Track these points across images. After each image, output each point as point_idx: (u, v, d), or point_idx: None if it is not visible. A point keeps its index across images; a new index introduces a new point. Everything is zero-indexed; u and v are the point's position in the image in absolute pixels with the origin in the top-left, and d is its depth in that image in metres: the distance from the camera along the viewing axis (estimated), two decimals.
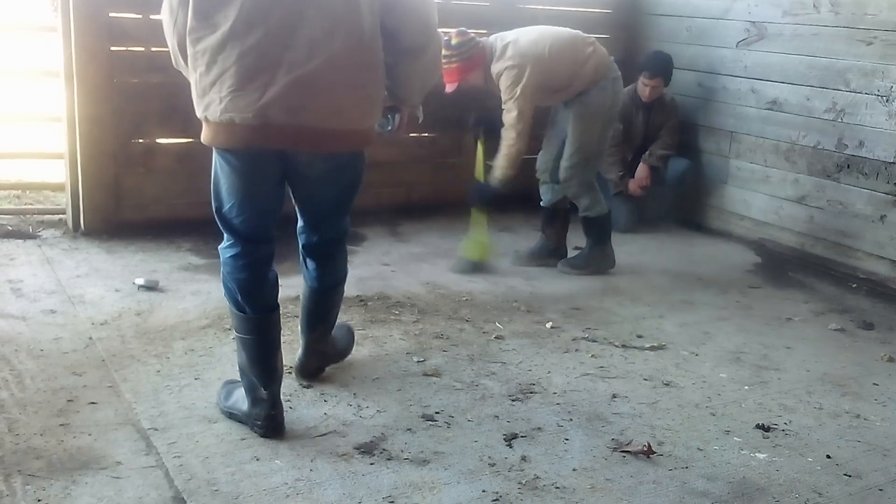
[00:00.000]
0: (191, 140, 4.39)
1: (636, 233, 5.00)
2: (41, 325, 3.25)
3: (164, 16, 2.40)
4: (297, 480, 2.36)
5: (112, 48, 4.19)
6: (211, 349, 3.14)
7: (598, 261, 4.27)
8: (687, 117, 5.21)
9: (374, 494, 2.32)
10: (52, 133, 4.71)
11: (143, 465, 2.38)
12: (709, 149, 5.19)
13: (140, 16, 4.22)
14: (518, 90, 3.90)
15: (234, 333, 2.65)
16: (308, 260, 2.77)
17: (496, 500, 2.33)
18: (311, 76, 2.32)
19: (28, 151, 5.19)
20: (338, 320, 2.98)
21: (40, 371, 2.89)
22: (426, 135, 5.06)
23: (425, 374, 3.06)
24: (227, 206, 2.49)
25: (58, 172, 4.62)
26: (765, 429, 2.80)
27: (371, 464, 2.47)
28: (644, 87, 5.00)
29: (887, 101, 4.21)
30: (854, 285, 4.30)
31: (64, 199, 4.45)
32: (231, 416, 2.65)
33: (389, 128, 2.75)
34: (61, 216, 4.50)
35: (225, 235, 2.56)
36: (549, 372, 3.14)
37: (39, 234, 4.32)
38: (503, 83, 3.94)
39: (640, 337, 3.52)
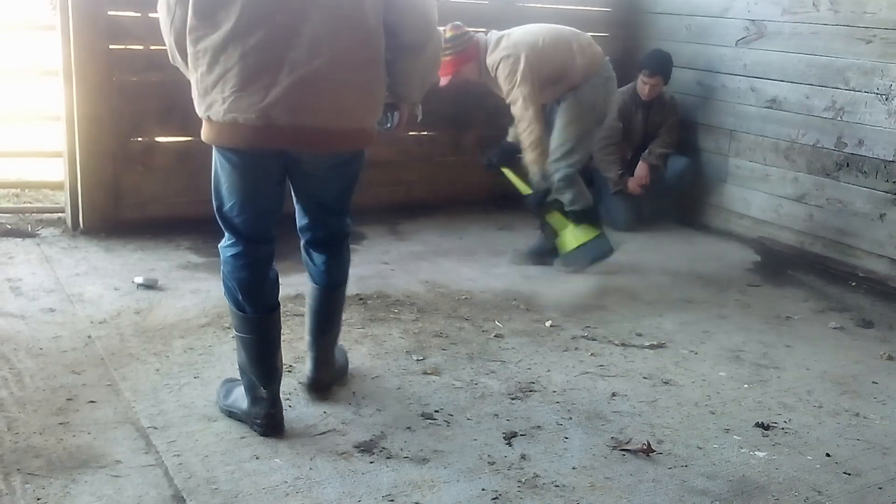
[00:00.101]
0: (190, 138, 4.39)
1: (635, 231, 4.99)
2: (40, 324, 3.25)
3: (161, 12, 2.39)
4: (296, 479, 2.36)
5: (111, 46, 4.18)
6: (210, 348, 3.14)
7: (595, 251, 4.21)
8: (686, 116, 5.21)
9: (374, 493, 2.31)
10: (51, 132, 4.71)
11: (143, 464, 2.38)
12: (708, 147, 5.19)
13: (139, 14, 4.21)
14: (518, 76, 3.89)
15: (233, 332, 2.65)
16: (315, 255, 2.72)
17: (496, 498, 2.33)
18: (315, 76, 2.32)
19: (27, 150, 5.19)
20: None
21: (39, 370, 2.88)
22: (425, 133, 5.06)
23: (425, 373, 3.06)
24: (227, 205, 2.48)
25: (57, 171, 4.62)
26: (764, 427, 2.80)
27: (371, 462, 2.47)
28: (643, 85, 4.99)
29: (887, 99, 4.21)
30: (853, 284, 4.30)
31: (63, 198, 4.45)
32: (230, 414, 2.65)
33: (388, 125, 2.75)
34: (60, 215, 4.49)
35: (225, 234, 2.55)
36: (548, 370, 3.14)
37: (38, 232, 4.32)
38: (501, 74, 3.93)
39: (639, 335, 3.52)
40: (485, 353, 3.26)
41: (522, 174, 4.18)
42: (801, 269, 4.51)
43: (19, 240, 4.19)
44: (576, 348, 3.36)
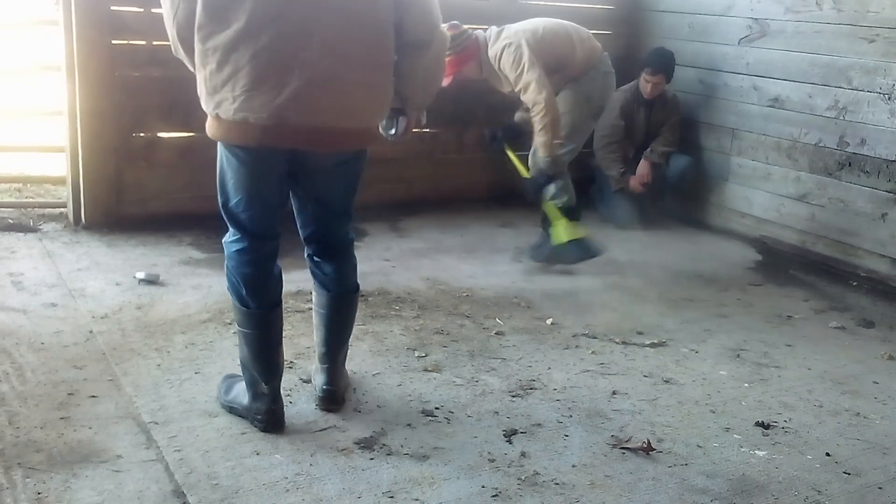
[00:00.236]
0: (192, 134, 4.39)
1: (637, 230, 4.99)
2: (42, 319, 3.25)
3: (165, 5, 2.38)
4: (297, 475, 2.36)
5: (113, 41, 4.18)
6: (211, 343, 3.14)
7: (584, 251, 4.20)
8: (688, 114, 5.21)
9: (374, 489, 2.32)
10: (54, 127, 4.71)
11: (144, 459, 2.39)
12: (710, 146, 5.19)
13: (141, 9, 4.21)
14: (525, 61, 3.88)
15: (235, 328, 2.65)
16: (324, 264, 2.69)
17: (495, 495, 2.34)
18: (326, 76, 2.32)
19: (29, 145, 5.19)
20: None
21: (41, 364, 2.89)
22: (427, 130, 5.06)
23: (425, 370, 3.06)
24: (233, 201, 2.48)
25: (59, 166, 4.62)
26: (764, 426, 2.80)
27: (371, 459, 2.47)
28: (646, 83, 4.99)
29: (889, 98, 4.20)
30: (855, 283, 4.30)
31: (65, 193, 4.45)
32: (231, 410, 2.65)
33: (393, 132, 2.74)
34: (62, 210, 4.49)
35: (231, 230, 2.55)
36: (549, 368, 3.14)
37: (40, 227, 4.32)
38: (506, 63, 3.92)
39: (640, 334, 3.52)
40: (485, 350, 3.26)
41: (524, 157, 4.14)
42: (803, 268, 4.51)
43: (21, 234, 4.19)
44: (576, 346, 3.36)
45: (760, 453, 2.65)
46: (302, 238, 2.69)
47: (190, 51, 2.38)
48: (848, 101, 4.39)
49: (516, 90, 3.96)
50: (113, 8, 4.15)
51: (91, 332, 3.17)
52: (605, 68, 4.11)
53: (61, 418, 2.56)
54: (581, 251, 4.15)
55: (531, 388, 2.97)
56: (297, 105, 2.30)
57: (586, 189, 5.16)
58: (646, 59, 5.01)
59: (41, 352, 2.98)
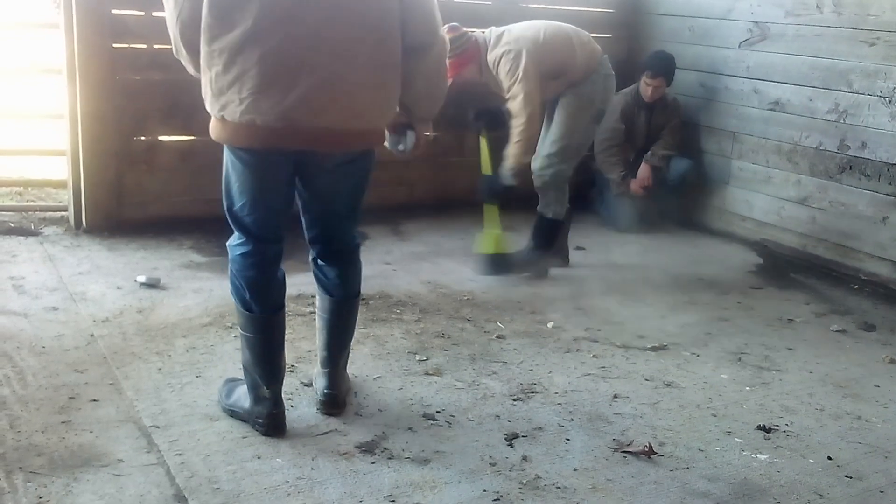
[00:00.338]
0: (193, 137, 4.39)
1: (638, 233, 4.99)
2: (43, 322, 3.25)
3: (168, 4, 2.38)
4: (298, 479, 2.36)
5: (114, 45, 4.18)
6: (212, 347, 3.13)
7: (534, 265, 4.17)
8: (689, 117, 5.21)
9: (375, 493, 2.31)
10: (55, 130, 4.71)
11: (145, 463, 2.38)
12: (711, 149, 5.19)
13: (142, 13, 4.21)
14: (520, 72, 3.85)
15: (238, 331, 2.64)
16: (328, 269, 2.69)
17: (497, 499, 2.33)
18: (335, 78, 2.32)
19: (30, 148, 5.19)
20: None
21: (42, 368, 2.89)
22: (428, 134, 5.05)
23: (426, 374, 3.06)
24: (238, 205, 2.48)
25: (60, 169, 4.62)
26: (766, 430, 2.80)
27: (372, 462, 2.47)
28: (646, 86, 4.99)
29: (890, 102, 4.20)
30: (856, 287, 4.30)
31: (66, 196, 4.45)
32: (232, 414, 2.65)
33: (401, 147, 2.73)
34: (63, 213, 4.49)
35: (235, 233, 2.55)
36: (550, 372, 3.14)
37: (41, 231, 4.32)
38: (502, 69, 3.90)
39: (641, 337, 3.51)
40: (487, 354, 3.26)
41: (495, 152, 4.09)
42: (804, 271, 4.51)
43: (22, 238, 4.19)
44: (577, 350, 3.36)
45: (762, 457, 2.64)
46: (307, 240, 2.69)
47: (192, 52, 2.38)
48: (848, 105, 4.39)
49: (506, 96, 3.94)
50: (114, 11, 4.16)
51: (92, 335, 3.17)
52: (605, 71, 4.10)
53: (62, 422, 2.55)
54: (493, 267, 4.12)
55: (532, 392, 2.97)
56: (305, 106, 2.30)
57: (587, 193, 5.17)
58: (646, 62, 5.02)
59: (42, 355, 2.98)
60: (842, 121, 4.43)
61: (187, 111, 4.12)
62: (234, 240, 2.55)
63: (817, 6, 4.49)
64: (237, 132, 2.35)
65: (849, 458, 2.67)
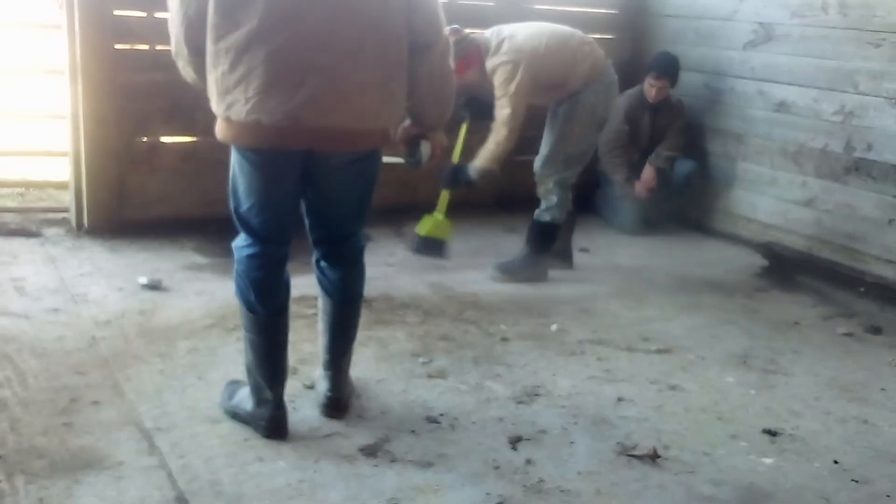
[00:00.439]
0: (195, 139, 4.38)
1: (642, 235, 4.97)
2: (44, 324, 3.24)
3: (173, 2, 2.37)
4: (300, 482, 2.34)
5: (117, 46, 4.18)
6: (214, 349, 3.12)
7: (529, 270, 4.14)
8: (694, 119, 5.19)
9: (378, 496, 2.30)
10: (56, 131, 4.71)
11: (146, 466, 2.37)
12: (716, 151, 5.17)
13: (145, 14, 4.20)
14: (512, 87, 3.85)
15: (241, 333, 2.63)
16: (330, 271, 2.68)
17: (500, 503, 2.32)
18: (341, 77, 2.31)
19: (32, 149, 5.18)
20: None
21: (43, 370, 2.87)
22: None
23: (430, 376, 3.04)
24: (245, 206, 2.47)
25: (61, 170, 4.61)
26: (772, 434, 2.78)
27: (375, 465, 2.45)
28: (650, 88, 4.97)
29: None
30: (862, 289, 4.27)
31: (67, 198, 4.44)
32: (234, 416, 2.64)
33: (414, 159, 2.71)
34: (65, 214, 4.48)
35: (242, 234, 2.54)
36: (554, 374, 3.12)
37: (43, 232, 4.31)
38: (497, 79, 3.90)
39: (646, 340, 3.50)
40: (490, 356, 3.24)
41: (471, 143, 4.09)
42: (809, 274, 4.48)
43: (24, 239, 4.18)
44: (582, 352, 3.34)
45: (768, 461, 2.62)
46: (311, 241, 2.68)
47: (194, 52, 2.37)
48: (854, 106, 4.37)
49: (495, 103, 3.93)
50: (116, 12, 4.15)
51: (93, 337, 3.16)
52: (607, 79, 4.05)
53: (63, 424, 2.54)
54: (429, 249, 4.22)
55: (536, 395, 2.95)
56: (312, 106, 2.30)
57: (591, 194, 5.15)
58: (650, 63, 5.00)
59: (43, 357, 2.97)
60: (848, 122, 4.41)
61: (189, 112, 4.11)
62: (241, 241, 2.55)
63: (823, 7, 4.47)
64: (243, 132, 2.34)
65: (855, 462, 2.65)
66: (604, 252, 4.66)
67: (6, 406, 2.62)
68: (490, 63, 3.93)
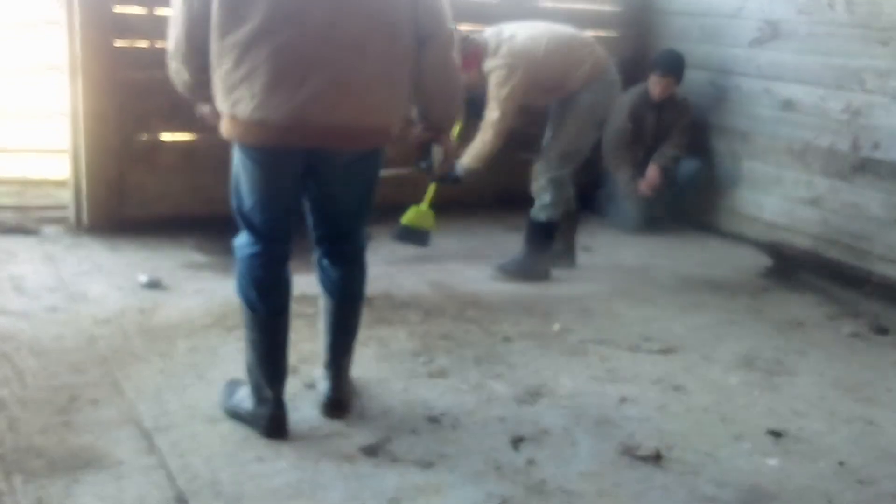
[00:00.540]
0: (195, 136, 4.37)
1: (646, 234, 4.96)
2: (43, 323, 3.23)
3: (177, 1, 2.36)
4: (300, 481, 2.33)
5: (116, 43, 4.17)
6: (214, 348, 3.11)
7: (530, 269, 4.11)
8: (699, 117, 5.16)
9: (379, 496, 2.29)
10: (55, 128, 4.70)
11: (146, 465, 2.36)
12: (721, 149, 5.14)
13: (145, 10, 4.20)
14: (506, 91, 3.85)
15: (243, 331, 2.62)
16: (331, 269, 2.67)
17: (502, 503, 2.30)
18: (346, 74, 2.30)
19: (30, 147, 5.18)
20: None
21: (42, 369, 2.86)
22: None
23: (431, 376, 3.03)
24: (247, 204, 2.46)
25: (61, 168, 4.60)
26: (776, 434, 2.77)
27: (375, 465, 2.44)
28: (655, 85, 4.95)
29: None
30: (868, 289, 4.24)
31: (66, 196, 4.43)
32: (235, 415, 2.63)
33: (425, 164, 2.69)
34: (64, 212, 4.46)
35: (243, 233, 2.54)
36: (556, 374, 3.11)
37: (42, 230, 4.29)
38: (492, 82, 3.89)
39: (649, 340, 3.47)
40: (492, 356, 3.23)
41: (463, 140, 4.08)
42: (815, 273, 4.45)
43: (22, 237, 4.16)
44: (584, 352, 3.32)
45: (772, 462, 2.61)
46: (313, 239, 2.67)
47: (194, 50, 2.36)
48: (861, 104, 4.34)
49: (487, 104, 3.91)
50: (116, 9, 4.14)
51: (93, 336, 3.15)
52: (608, 78, 4.02)
53: (62, 423, 2.53)
54: (410, 237, 4.30)
55: (538, 395, 2.93)
56: (317, 103, 2.29)
57: (594, 193, 5.13)
58: (655, 60, 4.98)
59: (42, 356, 2.95)
60: (854, 121, 4.38)
61: (189, 110, 4.03)
62: (243, 239, 2.54)
63: (829, 4, 4.44)
64: (248, 130, 2.33)
65: (860, 462, 2.63)
66: (607, 251, 4.64)
67: (5, 405, 2.61)
68: (488, 65, 3.92)
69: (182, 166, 4.37)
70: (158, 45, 4.14)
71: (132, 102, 4.23)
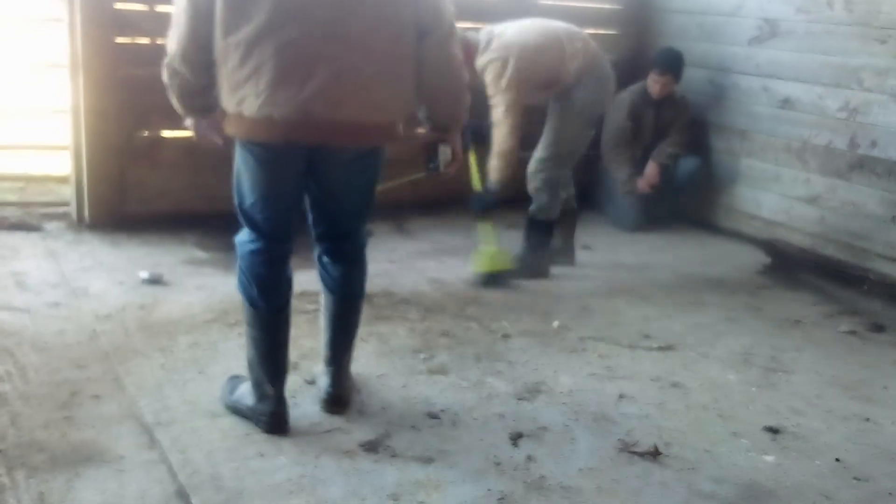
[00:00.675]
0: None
1: (645, 232, 4.96)
2: (45, 318, 3.24)
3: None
4: (301, 477, 2.34)
5: (118, 40, 4.17)
6: (215, 344, 3.12)
7: (529, 267, 4.11)
8: (698, 115, 5.16)
9: (379, 492, 2.30)
10: (57, 125, 4.70)
11: (147, 460, 2.37)
12: (719, 147, 5.15)
13: (146, 7, 4.19)
14: (503, 82, 3.78)
15: (243, 328, 2.63)
16: (332, 267, 2.68)
17: (501, 499, 2.31)
18: (352, 70, 2.31)
19: (32, 143, 5.18)
20: None
21: (44, 364, 2.87)
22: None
23: (431, 372, 3.04)
24: (249, 201, 2.47)
25: (62, 165, 4.61)
26: (773, 431, 2.78)
27: (375, 461, 2.45)
28: (654, 83, 4.96)
29: None
30: (865, 287, 4.24)
31: (68, 192, 4.44)
32: (235, 411, 2.63)
33: (432, 165, 2.69)
34: (65, 209, 4.48)
35: (245, 230, 2.54)
36: (555, 371, 3.11)
37: (43, 226, 4.30)
38: (488, 77, 3.84)
39: (647, 337, 3.49)
40: (492, 353, 3.24)
41: (483, 166, 4.02)
42: (813, 271, 4.46)
43: (24, 234, 4.17)
44: (583, 349, 3.33)
45: (769, 459, 2.62)
46: (314, 237, 2.67)
47: (197, 49, 2.35)
48: (859, 103, 4.35)
49: (489, 104, 3.89)
50: (117, 6, 4.14)
51: (94, 331, 3.16)
52: (600, 73, 3.97)
53: (64, 418, 2.54)
54: (495, 282, 3.98)
55: (537, 392, 2.94)
56: (322, 99, 2.29)
57: (593, 191, 5.14)
58: (654, 59, 4.98)
59: (44, 351, 2.96)
60: (852, 119, 4.39)
61: None
62: (244, 236, 2.54)
63: (828, 3, 4.45)
64: (255, 127, 2.34)
65: (857, 460, 2.64)
66: (606, 249, 4.65)
67: (7, 400, 2.62)
68: (479, 61, 3.86)
69: (183, 163, 4.37)
70: (159, 41, 4.10)
71: (133, 99, 4.23)
